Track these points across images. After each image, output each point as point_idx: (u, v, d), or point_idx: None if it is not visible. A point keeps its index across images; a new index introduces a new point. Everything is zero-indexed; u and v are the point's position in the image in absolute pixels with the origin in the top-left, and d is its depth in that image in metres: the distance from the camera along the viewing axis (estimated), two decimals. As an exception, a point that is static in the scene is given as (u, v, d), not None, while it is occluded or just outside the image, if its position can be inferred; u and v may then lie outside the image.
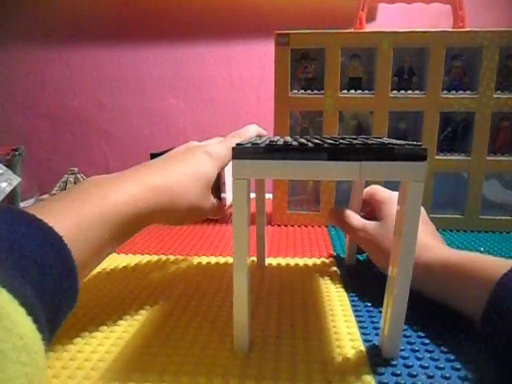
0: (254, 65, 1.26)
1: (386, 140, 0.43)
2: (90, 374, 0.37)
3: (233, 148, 0.36)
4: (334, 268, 0.63)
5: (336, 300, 0.52)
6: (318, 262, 0.66)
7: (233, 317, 0.39)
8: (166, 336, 0.43)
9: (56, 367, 0.38)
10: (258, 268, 0.63)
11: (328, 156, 0.35)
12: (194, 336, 0.44)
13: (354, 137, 0.52)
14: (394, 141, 0.41)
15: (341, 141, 0.40)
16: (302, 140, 0.43)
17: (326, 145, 0.36)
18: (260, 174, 0.37)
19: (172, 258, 0.68)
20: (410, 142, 0.39)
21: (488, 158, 0.80)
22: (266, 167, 0.36)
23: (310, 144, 0.37)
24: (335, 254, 0.70)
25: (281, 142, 0.40)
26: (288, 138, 0.47)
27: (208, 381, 0.36)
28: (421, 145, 0.36)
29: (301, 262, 0.66)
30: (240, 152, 0.36)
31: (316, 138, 0.46)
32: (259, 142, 0.40)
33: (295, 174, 0.37)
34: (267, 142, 0.40)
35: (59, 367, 0.38)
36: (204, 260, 0.67)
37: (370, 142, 0.40)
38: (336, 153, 0.36)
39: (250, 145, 0.37)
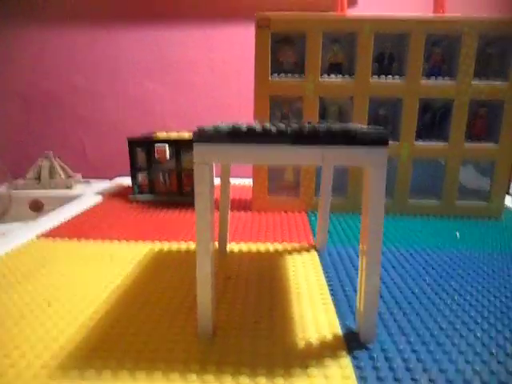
0: (234, 48, 1.23)
1: (349, 126, 0.43)
2: (56, 353, 0.36)
3: (194, 132, 0.36)
4: (314, 253, 0.63)
5: (315, 285, 0.52)
6: (298, 247, 0.66)
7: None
8: (128, 323, 0.43)
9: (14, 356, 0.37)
10: (219, 253, 0.63)
11: (291, 141, 0.36)
12: (158, 323, 0.43)
13: (321, 122, 0.52)
14: (360, 126, 0.41)
15: (306, 126, 0.40)
16: (267, 125, 0.43)
17: (289, 130, 0.36)
18: (223, 159, 0.37)
19: (149, 244, 0.67)
20: (371, 127, 0.39)
21: (465, 145, 0.81)
22: (229, 152, 0.36)
23: (273, 129, 0.37)
24: (315, 239, 0.70)
25: (244, 126, 0.40)
26: (255, 123, 0.47)
27: (167, 367, 0.36)
28: (382, 129, 0.36)
29: (280, 247, 0.66)
30: (202, 136, 0.36)
31: (283, 123, 0.46)
32: (222, 126, 0.40)
33: (259, 158, 0.36)
34: (231, 126, 0.40)
35: (17, 356, 0.37)
36: (182, 246, 0.66)
37: (333, 127, 0.40)
38: (299, 138, 0.36)
39: (212, 129, 0.37)
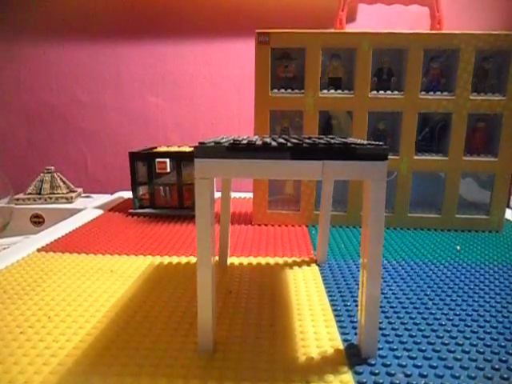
0: (234, 63, 1.25)
1: (349, 140, 0.44)
2: (55, 369, 0.36)
3: (195, 147, 0.36)
4: (314, 267, 0.63)
5: (316, 299, 0.52)
6: (299, 260, 0.66)
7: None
8: (129, 337, 0.43)
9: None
10: (220, 267, 0.63)
11: (291, 155, 0.36)
12: (158, 337, 0.43)
13: (320, 136, 0.53)
14: (358, 141, 0.42)
15: (306, 140, 0.41)
16: (266, 139, 0.43)
17: (289, 144, 0.37)
18: (223, 173, 0.37)
19: (150, 257, 0.67)
20: (371, 142, 0.39)
21: (464, 159, 0.82)
22: (229, 166, 0.36)
23: (273, 143, 0.37)
24: (315, 252, 0.70)
25: (245, 141, 0.40)
26: (254, 138, 0.47)
27: (169, 382, 0.36)
28: (382, 145, 0.37)
29: (281, 261, 0.66)
30: (202, 151, 0.36)
31: (282, 138, 0.47)
32: (223, 140, 0.40)
33: (259, 173, 0.37)
34: (231, 141, 0.40)
35: (16, 372, 0.37)
36: (183, 260, 0.66)
37: (333, 141, 0.40)
38: (299, 152, 0.36)
39: (212, 144, 0.37)
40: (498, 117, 0.80)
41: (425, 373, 0.37)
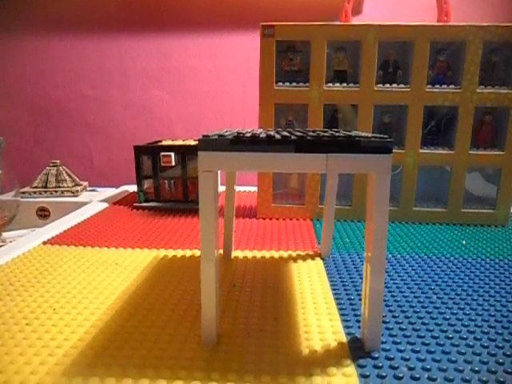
0: (239, 56, 1.24)
1: (353, 133, 0.44)
2: (61, 360, 0.36)
3: (199, 140, 0.36)
4: (319, 260, 0.63)
5: (319, 293, 0.52)
6: (303, 254, 0.66)
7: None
8: (133, 329, 0.43)
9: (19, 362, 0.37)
10: (224, 260, 0.63)
11: (295, 148, 0.36)
12: (162, 329, 0.43)
13: (325, 130, 0.52)
14: (363, 134, 0.41)
15: (310, 133, 0.40)
16: (270, 132, 0.43)
17: (293, 137, 0.37)
18: (227, 166, 0.37)
19: (155, 251, 0.67)
20: (376, 135, 0.39)
21: (470, 152, 0.81)
22: (233, 159, 0.36)
23: (277, 136, 0.37)
24: (320, 246, 0.70)
25: (249, 134, 0.40)
26: (258, 131, 0.47)
27: (172, 374, 0.36)
28: (386, 138, 0.36)
29: (285, 254, 0.66)
30: (206, 144, 0.36)
31: (287, 131, 0.46)
32: (226, 133, 0.40)
33: (263, 166, 0.37)
34: (235, 133, 0.40)
35: (22, 362, 0.37)
36: (188, 253, 0.66)
37: (338, 134, 0.40)
38: (303, 145, 0.36)
39: (216, 136, 0.37)
40: (506, 110, 0.79)
41: (428, 366, 0.37)
